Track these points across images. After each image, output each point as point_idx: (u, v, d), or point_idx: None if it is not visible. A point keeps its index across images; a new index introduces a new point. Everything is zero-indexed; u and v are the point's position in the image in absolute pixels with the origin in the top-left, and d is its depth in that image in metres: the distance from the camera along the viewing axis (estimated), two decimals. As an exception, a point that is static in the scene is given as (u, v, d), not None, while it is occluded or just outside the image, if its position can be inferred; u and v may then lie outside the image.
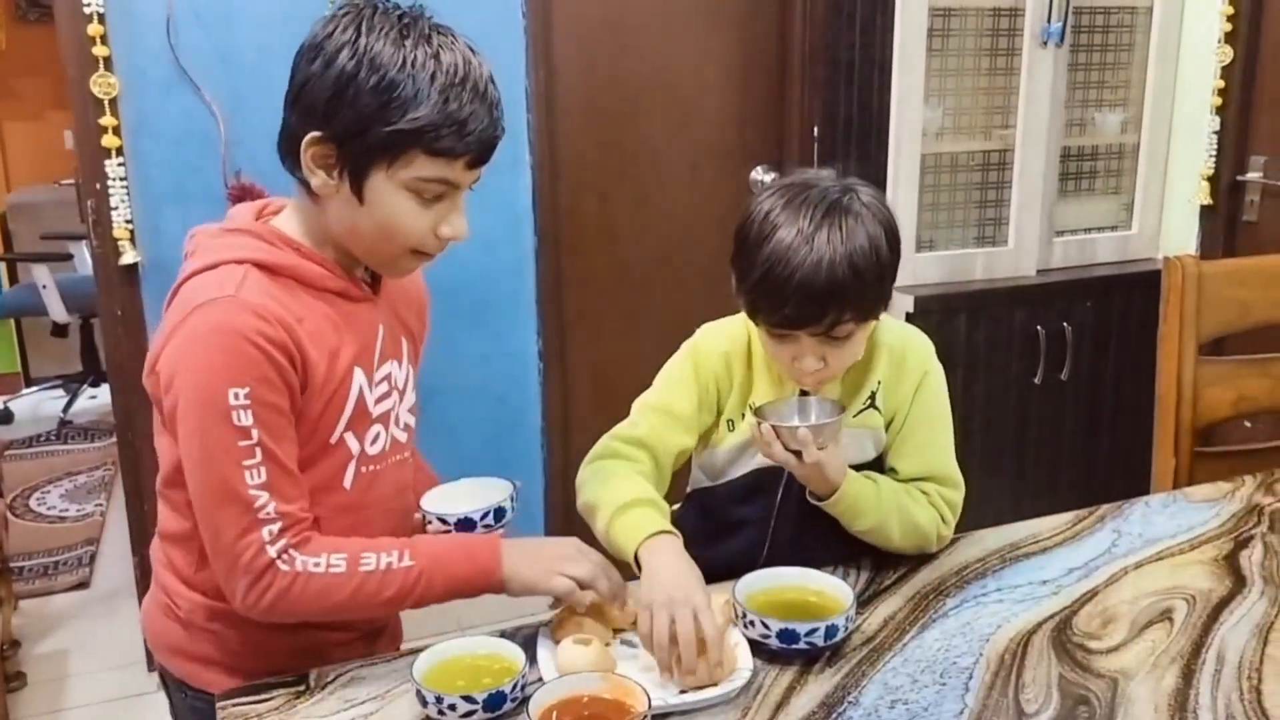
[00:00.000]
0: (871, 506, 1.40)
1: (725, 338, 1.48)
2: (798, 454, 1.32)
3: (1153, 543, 1.53)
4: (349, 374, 1.25)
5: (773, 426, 1.33)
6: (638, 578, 1.28)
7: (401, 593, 1.20)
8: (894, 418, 1.47)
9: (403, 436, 1.36)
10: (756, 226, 1.33)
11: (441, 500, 1.34)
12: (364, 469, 1.30)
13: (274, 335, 1.16)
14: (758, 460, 1.45)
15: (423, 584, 1.20)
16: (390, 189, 1.18)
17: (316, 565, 1.18)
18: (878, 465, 1.48)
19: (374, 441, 1.30)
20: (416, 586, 1.20)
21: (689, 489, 1.58)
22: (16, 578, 3.17)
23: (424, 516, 1.33)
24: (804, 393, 1.42)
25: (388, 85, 1.14)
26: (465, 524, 1.27)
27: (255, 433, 1.15)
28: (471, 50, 1.20)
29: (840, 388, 1.45)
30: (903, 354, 1.47)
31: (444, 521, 1.29)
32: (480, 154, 1.20)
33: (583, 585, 1.24)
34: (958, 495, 1.48)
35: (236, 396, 1.14)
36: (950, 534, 1.49)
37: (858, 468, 1.42)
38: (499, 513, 1.28)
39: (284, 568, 1.16)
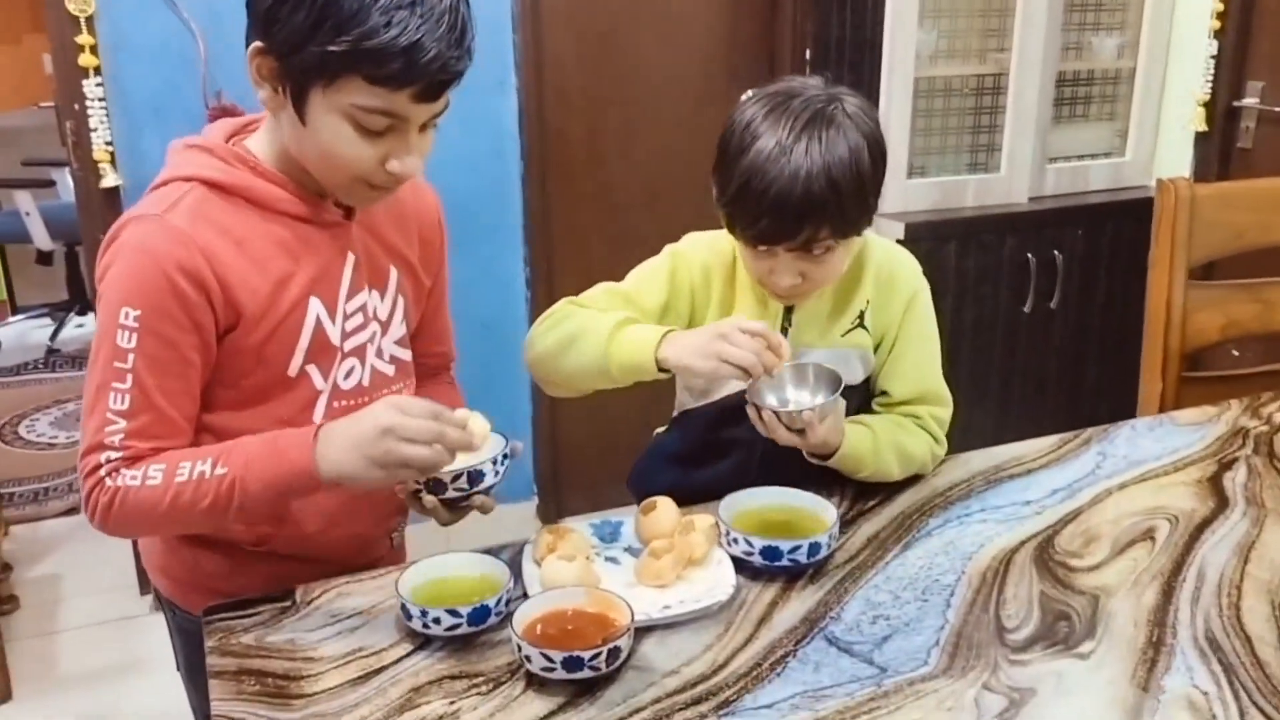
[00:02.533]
0: (869, 456, 1.39)
1: (709, 250, 1.46)
2: (800, 433, 1.30)
3: (1137, 464, 1.53)
4: (302, 303, 1.19)
5: (774, 412, 1.29)
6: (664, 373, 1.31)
7: (219, 502, 1.12)
8: (883, 338, 1.46)
9: (389, 369, 1.31)
10: (737, 136, 1.30)
11: None
12: (337, 404, 1.25)
13: (189, 265, 1.12)
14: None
15: (238, 491, 1.12)
16: (329, 113, 1.10)
17: (134, 479, 1.12)
18: (865, 386, 1.48)
19: (347, 376, 1.26)
20: (233, 494, 1.12)
21: (675, 412, 1.57)
22: (7, 504, 3.19)
23: None
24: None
25: (326, 0, 1.05)
26: (435, 486, 1.18)
27: (131, 358, 1.12)
28: None
29: (828, 306, 1.44)
30: (891, 273, 1.46)
31: (417, 480, 1.20)
32: (429, 87, 1.09)
33: (417, 466, 1.11)
34: (947, 413, 1.49)
35: (127, 316, 1.11)
36: (943, 452, 1.50)
37: (847, 390, 1.41)
38: (474, 476, 1.17)
39: (108, 483, 1.13)
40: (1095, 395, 3.08)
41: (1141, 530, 1.35)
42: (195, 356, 1.16)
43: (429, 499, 1.20)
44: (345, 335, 1.25)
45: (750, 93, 1.37)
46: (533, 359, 1.42)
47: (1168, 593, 1.22)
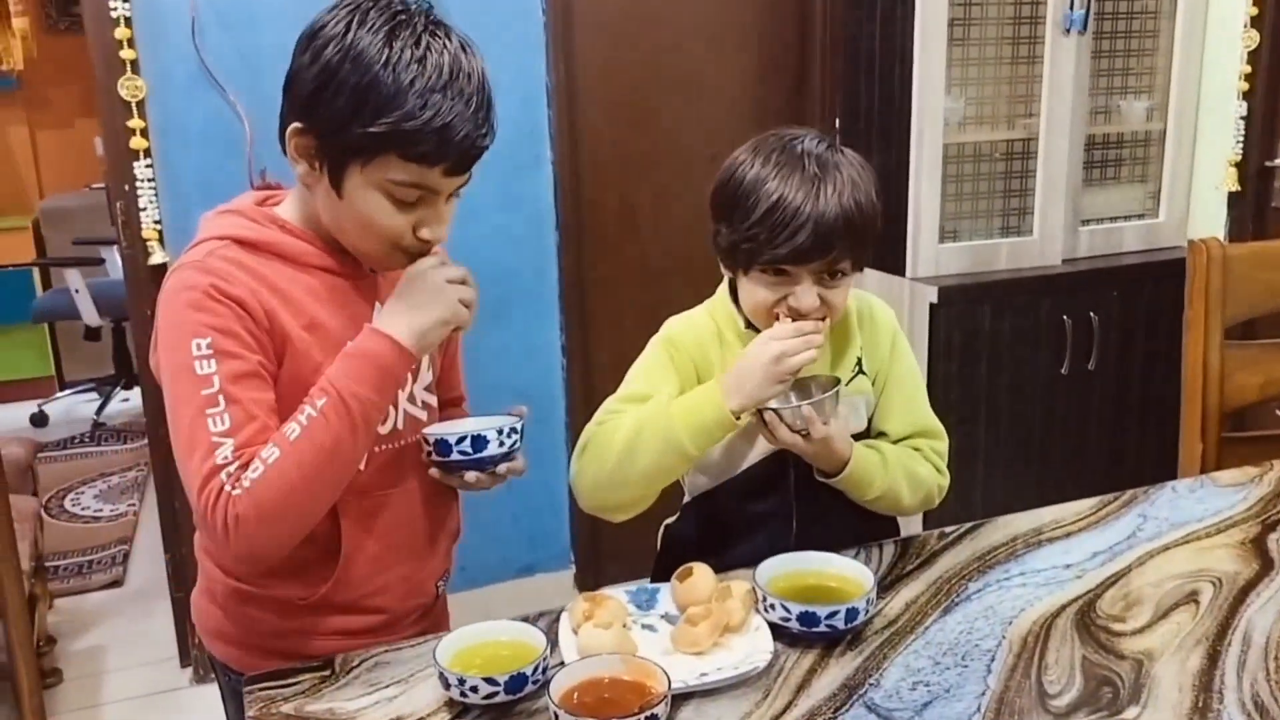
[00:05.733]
0: (879, 472, 1.41)
1: (695, 326, 1.48)
2: (804, 435, 1.33)
3: (1179, 526, 1.51)
4: (337, 350, 1.21)
5: (775, 410, 1.33)
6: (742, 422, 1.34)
7: (336, 430, 1.15)
8: (876, 379, 1.49)
9: (421, 414, 1.35)
10: (754, 171, 1.35)
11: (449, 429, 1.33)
12: (376, 448, 1.28)
13: (233, 292, 1.17)
14: (760, 447, 1.45)
15: (346, 405, 1.15)
16: (365, 188, 1.18)
17: (255, 471, 1.12)
18: (868, 433, 1.49)
19: (384, 421, 1.29)
20: (344, 412, 1.15)
21: (685, 499, 1.56)
22: (52, 576, 3.22)
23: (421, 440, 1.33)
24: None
25: (366, 86, 1.12)
26: (442, 447, 1.27)
27: (217, 381, 1.14)
28: (465, 52, 1.18)
29: (828, 358, 1.45)
30: (871, 316, 1.50)
31: (425, 442, 1.30)
32: (458, 162, 1.18)
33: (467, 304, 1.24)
34: (944, 445, 1.51)
35: (199, 347, 1.14)
36: (946, 483, 1.50)
37: (855, 436, 1.43)
38: (477, 440, 1.26)
39: (235, 492, 1.12)
40: (1135, 457, 3.04)
41: (1185, 593, 1.34)
42: (268, 370, 1.19)
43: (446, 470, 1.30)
44: None
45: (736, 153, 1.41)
46: (591, 484, 1.42)
47: (1213, 657, 1.20)
